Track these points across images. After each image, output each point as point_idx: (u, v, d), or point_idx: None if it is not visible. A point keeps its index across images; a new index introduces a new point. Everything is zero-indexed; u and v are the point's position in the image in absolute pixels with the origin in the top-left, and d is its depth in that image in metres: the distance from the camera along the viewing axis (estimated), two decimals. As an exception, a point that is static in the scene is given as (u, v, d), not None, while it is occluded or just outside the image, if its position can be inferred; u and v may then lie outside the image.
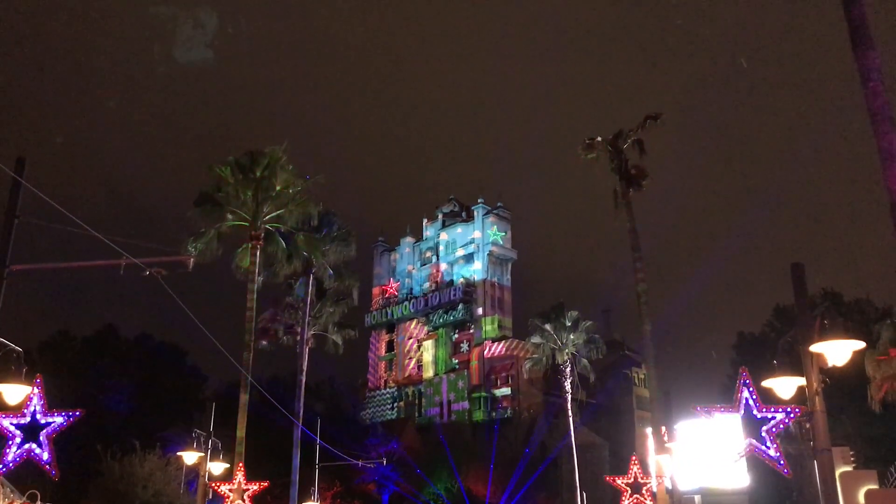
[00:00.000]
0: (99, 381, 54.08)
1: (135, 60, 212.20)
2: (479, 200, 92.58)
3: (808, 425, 10.54)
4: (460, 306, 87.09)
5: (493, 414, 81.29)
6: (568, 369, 47.35)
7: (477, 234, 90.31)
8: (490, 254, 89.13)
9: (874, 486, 22.66)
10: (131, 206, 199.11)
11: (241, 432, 25.92)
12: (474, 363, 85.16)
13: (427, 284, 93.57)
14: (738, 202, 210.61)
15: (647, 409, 53.71)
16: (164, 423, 48.03)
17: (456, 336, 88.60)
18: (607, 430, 72.92)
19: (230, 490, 22.86)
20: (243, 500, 22.79)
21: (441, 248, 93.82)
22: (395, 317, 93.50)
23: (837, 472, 12.65)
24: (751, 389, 10.73)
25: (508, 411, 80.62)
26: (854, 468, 24.60)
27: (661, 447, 26.02)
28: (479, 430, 78.08)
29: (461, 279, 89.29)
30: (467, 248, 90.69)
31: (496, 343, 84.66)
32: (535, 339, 48.69)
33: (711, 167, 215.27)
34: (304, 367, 35.93)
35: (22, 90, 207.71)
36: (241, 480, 23.11)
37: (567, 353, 47.29)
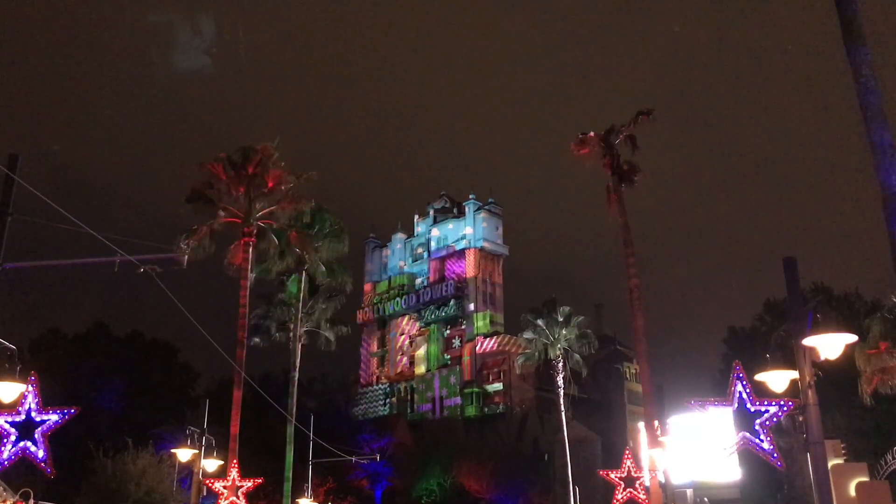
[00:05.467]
0: (90, 379, 53.94)
1: (132, 66, 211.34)
2: (470, 196, 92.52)
3: (800, 418, 10.61)
4: (452, 302, 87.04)
5: (486, 409, 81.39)
6: (560, 364, 47.47)
7: (468, 230, 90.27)
8: (481, 249, 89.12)
9: (865, 479, 22.85)
10: (123, 204, 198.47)
11: (234, 429, 25.91)
12: (466, 359, 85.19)
13: (418, 280, 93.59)
14: (728, 197, 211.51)
15: (639, 404, 53.93)
16: (156, 420, 48.03)
17: (448, 332, 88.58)
18: (599, 425, 73.14)
19: (224, 487, 22.84)
20: (237, 497, 22.77)
21: (432, 243, 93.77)
22: (386, 313, 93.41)
23: (829, 465, 12.74)
24: (744, 383, 10.80)
25: (500, 407, 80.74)
26: (845, 461, 24.82)
27: (653, 441, 26.12)
28: (472, 426, 78.22)
29: (453, 275, 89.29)
30: (459, 244, 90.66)
31: (488, 339, 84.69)
32: (528, 335, 48.78)
33: (701, 162, 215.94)
34: (297, 364, 35.93)
35: (18, 96, 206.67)
36: (235, 477, 23.09)
37: (559, 349, 47.40)
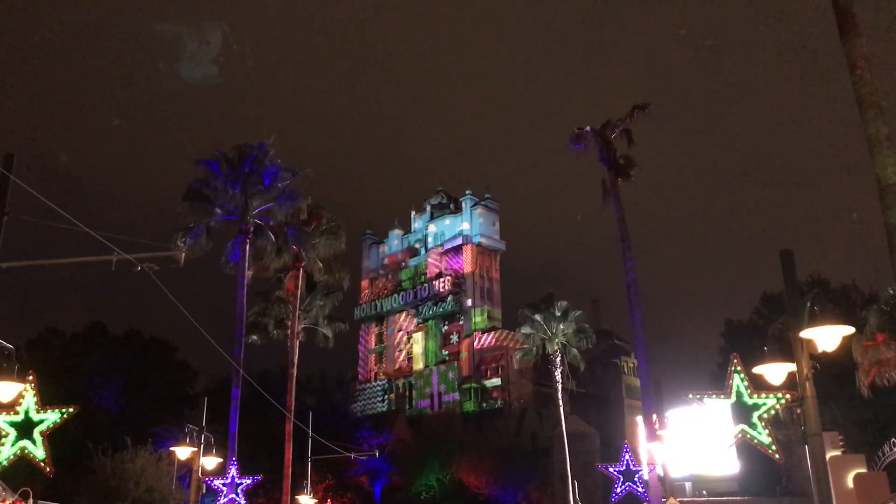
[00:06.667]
0: (88, 378, 53.81)
1: (129, 67, 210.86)
2: (466, 192, 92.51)
3: (798, 411, 10.62)
4: (449, 298, 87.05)
5: (484, 405, 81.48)
6: (558, 359, 47.38)
7: (465, 226, 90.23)
8: (479, 245, 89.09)
9: (863, 470, 22.94)
10: (119, 203, 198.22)
11: (233, 426, 25.91)
12: (464, 354, 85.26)
13: (416, 277, 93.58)
14: (725, 190, 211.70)
15: (638, 398, 54.02)
16: (154, 418, 47.93)
17: (445, 328, 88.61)
18: (597, 420, 73.27)
19: (223, 484, 22.85)
20: (237, 495, 22.79)
21: (430, 239, 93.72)
22: (384, 309, 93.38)
23: (827, 457, 12.75)
24: (742, 376, 10.81)
25: (499, 402, 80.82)
26: (843, 453, 24.90)
27: (652, 435, 26.19)
28: (470, 421, 78.27)
29: (450, 271, 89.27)
30: (456, 240, 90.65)
31: (486, 334, 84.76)
32: (525, 330, 48.69)
33: (698, 155, 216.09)
34: (295, 361, 35.86)
35: (18, 97, 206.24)
36: (235, 475, 23.10)
37: (557, 344, 47.32)
